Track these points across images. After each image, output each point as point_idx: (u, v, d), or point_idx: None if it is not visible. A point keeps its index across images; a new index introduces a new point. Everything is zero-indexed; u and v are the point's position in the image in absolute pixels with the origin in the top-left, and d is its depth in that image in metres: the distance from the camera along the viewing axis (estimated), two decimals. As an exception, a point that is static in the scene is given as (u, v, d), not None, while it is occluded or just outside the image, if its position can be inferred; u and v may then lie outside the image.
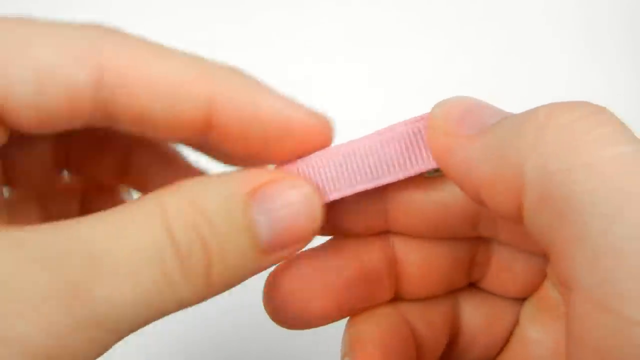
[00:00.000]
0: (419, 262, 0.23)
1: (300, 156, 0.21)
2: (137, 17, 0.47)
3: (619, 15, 0.49)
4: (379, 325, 0.23)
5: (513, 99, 0.45)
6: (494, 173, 0.17)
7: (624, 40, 0.48)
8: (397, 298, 0.24)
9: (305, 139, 0.21)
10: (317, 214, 0.20)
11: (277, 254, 0.20)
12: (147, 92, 0.19)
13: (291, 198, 0.19)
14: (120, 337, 0.18)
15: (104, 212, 0.18)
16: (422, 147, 0.21)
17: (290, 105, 0.20)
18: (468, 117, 0.19)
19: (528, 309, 0.24)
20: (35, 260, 0.16)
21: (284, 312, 0.22)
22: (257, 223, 0.19)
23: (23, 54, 0.18)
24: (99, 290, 0.17)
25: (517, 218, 0.17)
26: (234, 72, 0.20)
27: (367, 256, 0.23)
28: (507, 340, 0.25)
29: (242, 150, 0.21)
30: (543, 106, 0.17)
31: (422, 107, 0.21)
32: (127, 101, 0.19)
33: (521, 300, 0.25)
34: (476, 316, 0.25)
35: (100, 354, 0.17)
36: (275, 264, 0.20)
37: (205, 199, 0.19)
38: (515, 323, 0.25)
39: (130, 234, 0.18)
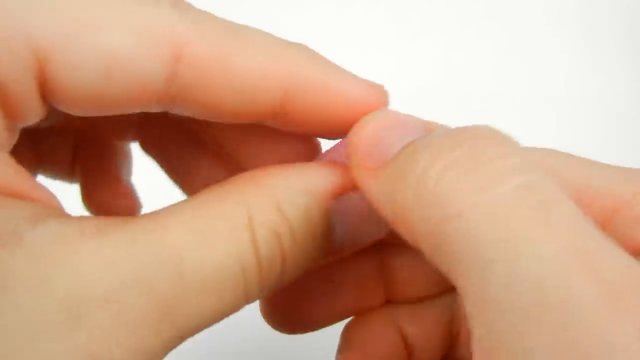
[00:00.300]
0: (406, 263, 0.23)
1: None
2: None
3: (619, 15, 0.49)
4: (369, 331, 0.23)
5: (513, 99, 0.45)
6: (393, 217, 0.17)
7: (624, 40, 0.48)
8: (389, 301, 0.24)
9: (365, 112, 0.19)
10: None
11: (339, 255, 0.20)
12: (223, 85, 0.17)
13: (367, 210, 0.19)
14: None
15: (185, 209, 0.17)
16: None
17: (357, 82, 0.19)
18: (377, 143, 0.18)
19: None
20: (130, 283, 0.15)
21: (281, 318, 0.23)
22: (334, 229, 0.18)
23: (93, 37, 0.16)
24: (185, 307, 0.16)
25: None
26: (307, 55, 0.19)
27: (358, 262, 0.23)
28: None
29: (307, 129, 0.19)
30: (424, 148, 0.16)
31: (423, 107, 0.21)
32: (199, 93, 0.17)
33: None
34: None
35: None
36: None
37: (290, 204, 0.18)
38: None
39: (217, 245, 0.16)
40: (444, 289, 0.24)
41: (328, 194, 0.18)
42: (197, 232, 0.16)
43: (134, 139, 0.25)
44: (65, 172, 0.26)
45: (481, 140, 0.15)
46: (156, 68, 0.16)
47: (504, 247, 0.13)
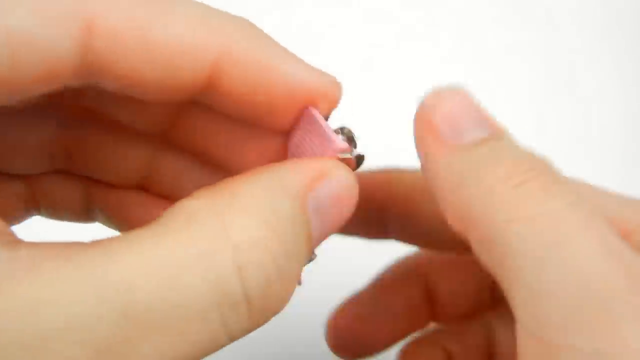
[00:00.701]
0: (448, 285, 0.27)
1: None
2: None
3: (620, 15, 0.49)
4: (421, 353, 0.26)
5: (513, 98, 0.45)
6: (451, 196, 0.18)
7: (625, 39, 0.48)
8: (434, 320, 0.27)
9: (312, 103, 0.19)
10: (354, 205, 0.19)
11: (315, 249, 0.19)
12: (143, 57, 0.16)
13: (339, 192, 0.18)
14: None
15: (143, 234, 0.14)
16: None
17: (302, 67, 0.18)
18: (454, 122, 0.19)
19: None
20: (63, 329, 0.13)
21: (344, 345, 0.26)
22: (313, 227, 0.17)
23: None
24: (135, 353, 0.14)
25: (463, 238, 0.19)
26: (244, 28, 0.18)
27: (408, 290, 0.26)
28: None
29: (244, 111, 0.18)
30: (511, 159, 0.18)
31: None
32: (118, 66, 0.16)
33: None
34: (509, 337, 0.26)
35: None
36: None
37: (276, 216, 0.16)
38: None
39: (181, 276, 0.14)
40: (482, 309, 0.27)
41: (305, 192, 0.17)
42: (155, 262, 0.14)
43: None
44: (76, 213, 0.23)
45: (548, 168, 0.18)
46: (66, 44, 0.15)
47: (558, 247, 0.16)
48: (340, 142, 0.19)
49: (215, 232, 0.15)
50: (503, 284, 0.17)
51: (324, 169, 0.18)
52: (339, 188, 0.18)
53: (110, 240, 0.14)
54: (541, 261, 0.16)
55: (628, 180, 0.36)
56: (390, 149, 0.32)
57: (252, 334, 0.16)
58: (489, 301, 0.27)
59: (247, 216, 0.15)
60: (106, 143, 0.21)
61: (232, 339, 0.15)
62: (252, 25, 0.18)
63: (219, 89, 0.17)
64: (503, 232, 0.17)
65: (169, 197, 0.22)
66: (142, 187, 0.22)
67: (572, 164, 0.23)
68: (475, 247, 0.18)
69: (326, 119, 0.20)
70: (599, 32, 0.49)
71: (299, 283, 0.17)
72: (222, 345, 0.15)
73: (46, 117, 0.20)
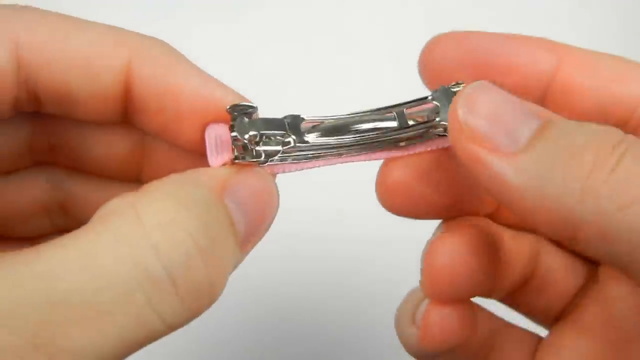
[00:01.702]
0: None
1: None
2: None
3: (619, 16, 0.49)
4: (470, 225, 0.23)
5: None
6: (537, 205, 0.17)
7: (626, 40, 0.48)
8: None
9: (219, 117, 0.20)
10: (277, 200, 0.20)
11: (249, 247, 0.19)
12: (63, 65, 0.18)
13: (255, 188, 0.19)
14: None
15: (70, 236, 0.16)
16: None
17: (207, 79, 0.20)
18: (497, 121, 0.18)
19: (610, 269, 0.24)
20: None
21: (392, 198, 0.22)
22: (235, 219, 0.18)
23: None
24: (63, 340, 0.14)
25: (568, 241, 0.18)
26: (153, 42, 0.20)
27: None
28: (575, 297, 0.25)
29: (160, 126, 0.20)
30: (588, 144, 0.17)
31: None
32: (46, 77, 0.18)
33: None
34: (553, 266, 0.25)
35: None
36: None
37: (192, 199, 0.17)
38: (591, 282, 0.25)
39: (100, 263, 0.15)
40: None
41: (220, 187, 0.18)
42: (76, 253, 0.15)
43: None
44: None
45: (632, 141, 0.17)
46: (1, 53, 0.18)
47: None
48: (215, 161, 0.20)
49: (129, 219, 0.16)
50: (630, 270, 0.17)
51: (234, 169, 0.19)
52: (254, 185, 0.19)
53: (42, 244, 0.15)
54: None
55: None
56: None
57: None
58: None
59: (160, 202, 0.16)
60: (95, 188, 0.23)
61: (168, 324, 0.16)
62: (161, 42, 0.20)
63: (135, 102, 0.19)
64: (621, 223, 0.16)
65: None
66: None
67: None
68: (588, 246, 0.17)
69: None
70: (599, 32, 0.49)
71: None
72: (161, 331, 0.16)
73: (36, 175, 0.22)
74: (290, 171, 0.21)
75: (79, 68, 0.19)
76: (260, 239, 0.19)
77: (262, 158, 0.20)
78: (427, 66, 0.22)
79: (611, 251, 0.17)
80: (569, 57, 0.22)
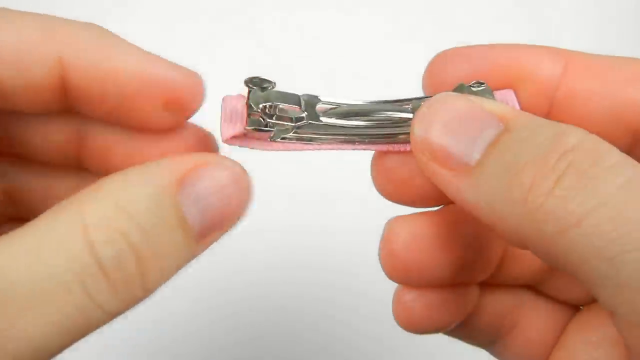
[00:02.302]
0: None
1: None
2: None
3: (621, 15, 0.49)
4: (440, 211, 0.23)
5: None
6: (492, 221, 0.17)
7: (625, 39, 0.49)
8: None
9: (170, 96, 0.20)
10: (247, 194, 0.19)
11: (209, 239, 0.19)
12: None
13: (220, 182, 0.19)
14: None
15: (17, 233, 0.17)
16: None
17: (148, 59, 0.20)
18: (452, 137, 0.18)
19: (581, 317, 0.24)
20: None
21: (388, 186, 0.22)
22: (189, 215, 0.18)
23: None
24: (9, 328, 0.15)
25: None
26: (86, 28, 0.20)
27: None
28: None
29: (104, 111, 0.20)
30: (527, 164, 0.16)
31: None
32: None
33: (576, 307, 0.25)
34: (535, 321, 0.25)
35: None
36: (209, 246, 0.20)
37: (131, 200, 0.17)
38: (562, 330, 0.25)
39: (43, 257, 0.16)
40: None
41: (172, 183, 0.18)
42: (20, 248, 0.16)
43: None
44: None
45: (578, 152, 0.16)
46: None
47: (631, 239, 0.15)
48: (227, 131, 0.20)
49: (72, 217, 0.17)
50: (577, 275, 0.16)
51: (199, 162, 0.18)
52: (220, 178, 0.18)
53: None
54: (620, 257, 0.15)
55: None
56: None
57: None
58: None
59: (101, 201, 0.17)
60: (39, 176, 0.23)
61: (106, 311, 0.17)
62: (94, 26, 0.20)
63: (73, 89, 0.19)
64: (561, 244, 0.16)
65: None
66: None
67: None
68: (540, 259, 0.17)
69: (190, 115, 0.20)
70: (597, 32, 0.49)
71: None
72: (101, 319, 0.17)
73: None
74: (300, 150, 0.21)
75: (10, 63, 0.19)
76: (227, 230, 0.19)
77: (274, 130, 0.20)
78: (433, 81, 0.22)
79: (562, 267, 0.16)
80: (574, 63, 0.21)
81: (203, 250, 0.19)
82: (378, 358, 0.38)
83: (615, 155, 0.16)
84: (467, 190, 0.18)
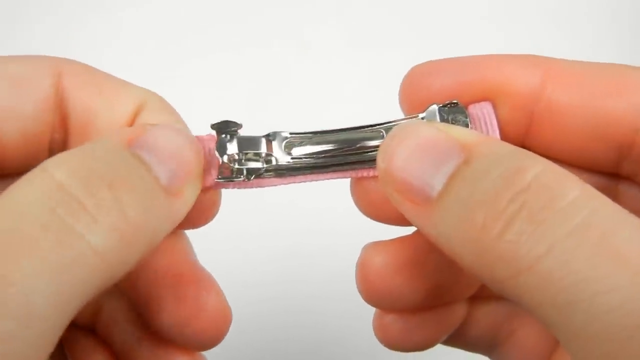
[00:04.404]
0: None
1: None
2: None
3: (621, 16, 0.49)
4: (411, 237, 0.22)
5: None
6: (453, 256, 0.17)
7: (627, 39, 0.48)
8: None
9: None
10: (197, 146, 0.20)
11: (183, 192, 0.19)
12: None
13: (168, 134, 0.19)
14: (58, 321, 0.16)
15: None
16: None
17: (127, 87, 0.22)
18: (413, 171, 0.17)
19: None
20: None
21: (368, 207, 0.22)
22: (149, 162, 0.19)
23: None
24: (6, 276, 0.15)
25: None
26: (73, 62, 0.21)
27: None
28: None
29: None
30: (480, 204, 0.16)
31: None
32: None
33: None
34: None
35: (42, 349, 0.15)
36: (188, 207, 0.20)
37: (90, 151, 0.18)
38: None
39: (13, 202, 0.16)
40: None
41: (123, 140, 0.19)
42: None
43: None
44: None
45: (532, 191, 0.16)
46: None
47: (579, 290, 0.14)
48: (206, 180, 0.21)
49: (37, 172, 0.17)
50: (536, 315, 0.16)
51: (145, 127, 0.20)
52: (166, 132, 0.19)
53: None
54: (568, 307, 0.15)
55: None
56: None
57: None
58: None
59: (61, 156, 0.18)
60: None
61: (93, 245, 0.16)
62: (82, 63, 0.22)
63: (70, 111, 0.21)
64: (514, 288, 0.15)
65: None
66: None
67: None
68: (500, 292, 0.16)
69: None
70: (597, 32, 0.48)
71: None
72: (91, 257, 0.16)
73: None
74: (276, 185, 0.21)
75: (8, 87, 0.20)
76: (196, 185, 0.20)
77: (244, 174, 0.21)
78: (408, 97, 0.22)
79: (520, 306, 0.16)
80: (553, 73, 0.20)
81: (183, 208, 0.19)
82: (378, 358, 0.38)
83: (574, 192, 0.15)
84: (427, 225, 0.17)
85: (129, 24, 0.47)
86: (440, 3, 0.49)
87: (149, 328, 0.22)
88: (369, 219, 0.22)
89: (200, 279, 0.22)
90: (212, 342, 0.21)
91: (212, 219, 0.22)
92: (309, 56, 0.47)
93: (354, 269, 0.23)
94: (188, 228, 0.22)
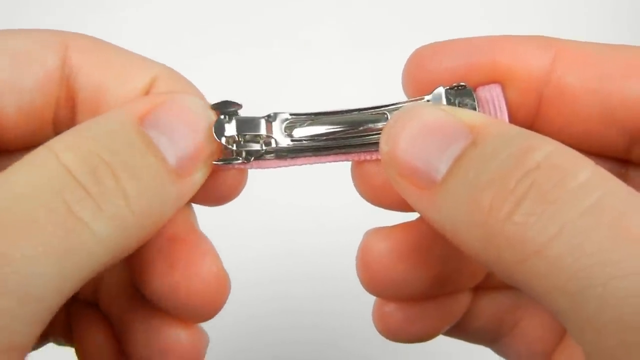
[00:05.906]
0: None
1: None
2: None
3: (621, 16, 0.49)
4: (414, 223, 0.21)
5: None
6: (456, 243, 0.16)
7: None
8: None
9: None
10: (211, 124, 0.20)
11: (191, 174, 0.19)
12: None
13: (185, 115, 0.19)
14: (54, 302, 0.16)
15: None
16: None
17: (136, 61, 0.21)
18: (417, 154, 0.17)
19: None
20: None
21: (369, 192, 0.21)
22: (159, 143, 0.18)
23: None
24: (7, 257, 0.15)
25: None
26: (83, 36, 0.21)
27: None
28: None
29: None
30: (487, 185, 0.15)
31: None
32: None
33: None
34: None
35: (35, 326, 0.15)
36: (196, 188, 0.20)
37: (96, 131, 0.18)
38: None
39: (19, 183, 0.16)
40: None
41: (134, 118, 0.18)
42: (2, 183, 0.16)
43: None
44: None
45: (542, 170, 0.15)
46: None
47: (592, 274, 0.13)
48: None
49: (42, 151, 0.17)
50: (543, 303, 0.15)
51: (156, 102, 0.19)
52: (179, 108, 0.19)
53: None
54: (580, 294, 0.14)
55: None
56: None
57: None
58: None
59: (66, 135, 0.18)
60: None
61: (98, 233, 0.16)
62: (91, 37, 0.21)
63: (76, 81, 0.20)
64: (521, 273, 0.15)
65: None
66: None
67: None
68: (506, 278, 0.16)
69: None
70: (597, 32, 0.48)
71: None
72: (94, 243, 0.16)
73: None
74: (275, 167, 0.21)
75: (14, 63, 0.20)
76: (207, 164, 0.20)
77: (243, 155, 0.20)
78: (413, 79, 0.21)
79: (526, 293, 0.15)
80: (564, 54, 0.19)
81: (191, 189, 0.19)
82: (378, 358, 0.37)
83: (586, 173, 0.15)
84: (431, 209, 0.17)
85: (129, 24, 0.47)
86: (440, 3, 0.49)
87: (144, 298, 0.21)
88: (369, 203, 0.22)
89: (196, 243, 0.20)
90: (207, 311, 0.20)
91: (235, 197, 0.22)
92: (309, 56, 0.47)
93: (352, 267, 0.22)
94: (211, 205, 0.22)
